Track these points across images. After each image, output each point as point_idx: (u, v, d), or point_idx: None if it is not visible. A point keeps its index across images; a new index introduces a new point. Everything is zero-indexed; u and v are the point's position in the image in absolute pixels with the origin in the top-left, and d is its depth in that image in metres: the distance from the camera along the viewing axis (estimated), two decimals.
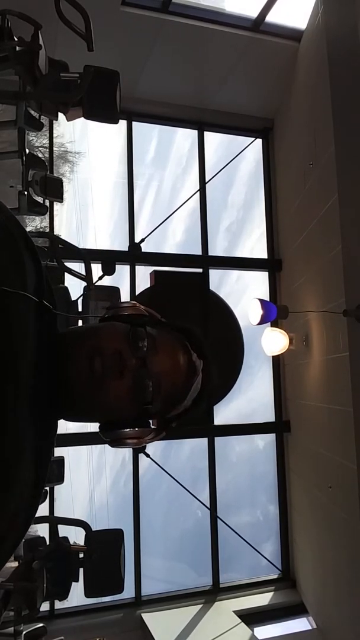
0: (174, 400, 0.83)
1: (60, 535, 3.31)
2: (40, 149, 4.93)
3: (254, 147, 5.12)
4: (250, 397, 5.15)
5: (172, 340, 0.84)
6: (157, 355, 0.79)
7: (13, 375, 0.69)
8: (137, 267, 4.61)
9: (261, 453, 5.12)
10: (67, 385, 0.76)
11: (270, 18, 4.15)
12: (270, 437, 4.91)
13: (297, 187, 4.43)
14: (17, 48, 2.68)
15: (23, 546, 2.91)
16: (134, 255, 4.59)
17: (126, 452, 4.59)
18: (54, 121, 4.31)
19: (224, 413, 4.84)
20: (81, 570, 3.06)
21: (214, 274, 4.89)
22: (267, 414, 4.90)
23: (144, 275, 4.68)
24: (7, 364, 0.69)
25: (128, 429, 0.80)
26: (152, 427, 0.85)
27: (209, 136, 5.03)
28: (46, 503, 3.98)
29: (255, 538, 4.67)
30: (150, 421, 0.84)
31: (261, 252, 5.09)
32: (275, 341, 4.33)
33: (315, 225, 4.04)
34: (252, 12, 4.13)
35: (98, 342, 0.77)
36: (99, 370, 0.75)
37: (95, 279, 3.26)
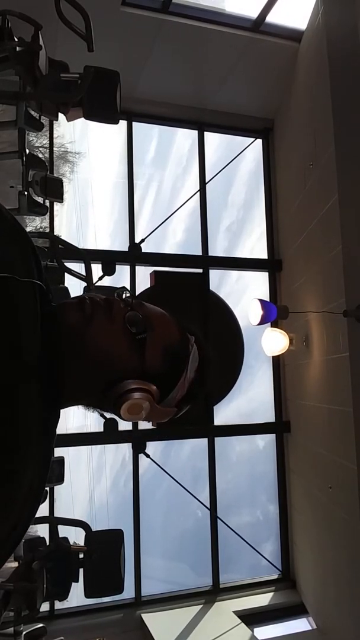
0: (174, 359, 0.83)
1: (60, 535, 3.30)
2: (40, 149, 4.93)
3: (254, 147, 5.12)
4: (251, 397, 5.15)
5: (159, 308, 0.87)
6: (144, 306, 0.82)
7: (24, 369, 0.70)
8: (137, 267, 4.61)
9: (261, 453, 5.13)
10: (62, 338, 0.77)
11: (271, 18, 4.15)
12: (270, 437, 4.91)
13: (297, 187, 4.43)
14: (18, 48, 2.68)
15: (23, 546, 2.91)
16: (134, 255, 4.59)
17: (126, 452, 4.59)
18: (54, 121, 4.31)
19: (224, 412, 4.84)
20: (81, 570, 3.06)
21: (214, 274, 4.89)
22: (267, 414, 4.90)
23: (144, 276, 4.68)
24: (19, 357, 0.70)
25: (131, 380, 0.78)
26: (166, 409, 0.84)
27: (209, 136, 5.03)
28: (46, 503, 3.98)
29: (255, 538, 4.67)
30: (155, 387, 0.82)
31: (261, 252, 5.09)
32: (275, 341, 4.33)
33: (315, 225, 4.04)
34: (252, 13, 4.13)
35: (88, 295, 0.80)
36: (88, 311, 0.77)
37: (95, 279, 3.26)
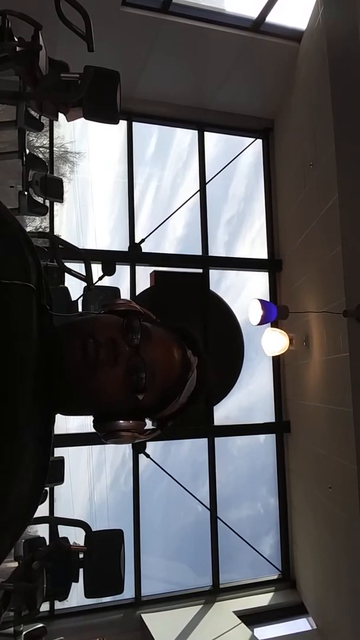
0: (168, 394, 0.83)
1: (60, 535, 3.30)
2: (40, 149, 4.94)
3: (254, 147, 5.12)
4: (251, 390, 5.16)
5: (166, 333, 0.85)
6: (150, 344, 0.80)
7: (18, 372, 0.70)
8: (137, 267, 4.61)
9: (261, 447, 5.13)
10: (61, 371, 0.76)
11: (271, 18, 4.15)
12: (271, 435, 4.91)
13: (297, 187, 4.43)
14: (18, 48, 2.67)
15: (23, 546, 2.91)
16: (134, 255, 4.59)
17: (126, 450, 4.59)
18: (54, 121, 4.31)
19: (224, 407, 4.84)
20: (81, 570, 3.06)
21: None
22: (267, 409, 4.89)
23: (144, 275, 4.68)
24: (13, 361, 0.70)
25: (122, 421, 0.80)
26: (150, 426, 0.85)
27: (209, 133, 5.03)
28: (46, 503, 3.98)
29: (256, 531, 4.68)
30: (146, 419, 0.84)
31: (261, 246, 5.09)
32: (275, 341, 4.33)
33: (315, 225, 4.04)
34: (252, 13, 4.13)
35: (92, 329, 0.78)
36: (92, 355, 0.75)
37: (95, 279, 3.26)
